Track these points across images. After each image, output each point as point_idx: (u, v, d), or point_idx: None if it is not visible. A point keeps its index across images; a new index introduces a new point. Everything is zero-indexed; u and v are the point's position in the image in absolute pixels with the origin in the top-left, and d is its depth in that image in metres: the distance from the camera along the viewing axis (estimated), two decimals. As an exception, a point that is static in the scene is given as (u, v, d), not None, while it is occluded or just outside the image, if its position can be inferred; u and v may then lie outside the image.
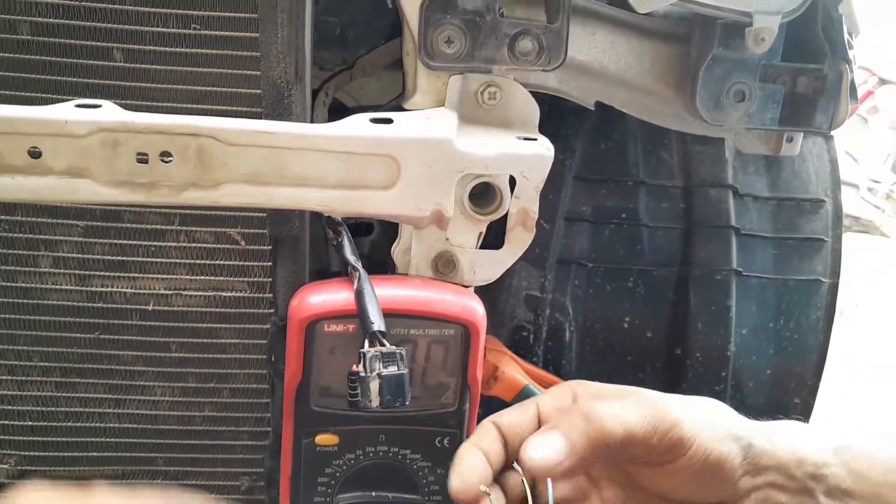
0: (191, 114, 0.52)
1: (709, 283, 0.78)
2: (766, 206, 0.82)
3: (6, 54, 0.54)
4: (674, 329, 0.79)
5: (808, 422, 0.83)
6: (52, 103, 0.52)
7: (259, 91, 0.55)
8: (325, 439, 0.57)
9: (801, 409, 0.82)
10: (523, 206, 0.59)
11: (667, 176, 0.80)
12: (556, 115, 0.75)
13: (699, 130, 0.73)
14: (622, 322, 0.79)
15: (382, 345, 0.50)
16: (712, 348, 0.78)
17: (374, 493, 0.59)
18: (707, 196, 0.80)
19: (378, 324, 0.51)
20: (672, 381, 0.80)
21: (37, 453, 0.64)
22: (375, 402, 0.49)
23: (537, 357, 0.78)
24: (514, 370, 0.69)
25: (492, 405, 0.74)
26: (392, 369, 0.49)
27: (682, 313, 0.78)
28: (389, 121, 0.55)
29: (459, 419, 0.58)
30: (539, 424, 0.54)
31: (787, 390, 0.82)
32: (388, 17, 0.74)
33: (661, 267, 0.79)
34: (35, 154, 0.51)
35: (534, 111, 0.60)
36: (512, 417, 0.54)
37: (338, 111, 0.69)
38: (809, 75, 0.69)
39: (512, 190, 0.59)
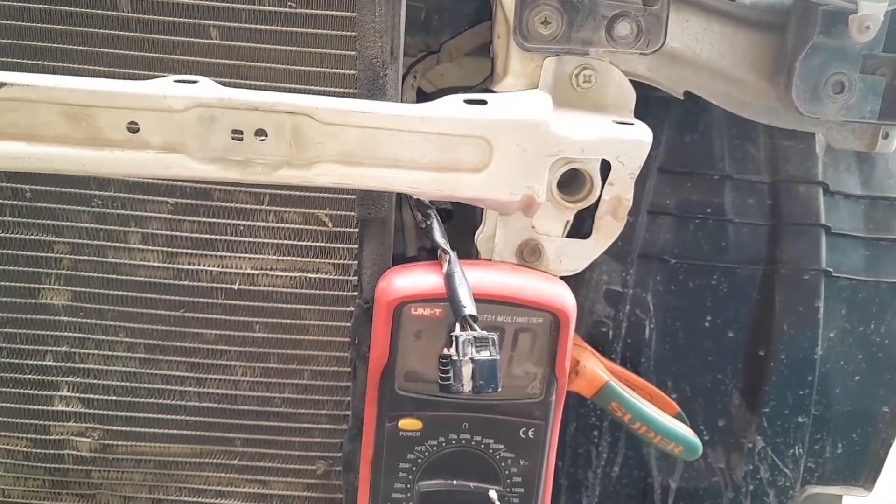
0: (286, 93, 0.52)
1: (796, 282, 0.75)
2: (859, 205, 0.79)
3: (107, 31, 0.54)
4: (757, 330, 0.76)
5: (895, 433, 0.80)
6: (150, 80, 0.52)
7: (353, 72, 0.55)
8: (409, 424, 0.56)
9: (890, 418, 0.78)
10: (617, 193, 0.57)
11: (753, 171, 0.78)
12: (640, 105, 0.73)
13: (790, 124, 0.71)
14: (704, 321, 0.76)
15: (474, 329, 0.49)
16: (798, 351, 0.76)
17: (455, 482, 0.58)
18: (795, 192, 0.77)
19: (470, 307, 0.50)
20: (754, 383, 0.77)
21: (119, 428, 0.64)
22: (468, 386, 0.48)
23: (615, 354, 0.76)
24: (596, 365, 0.67)
25: (569, 401, 0.72)
26: (485, 354, 0.48)
27: (767, 313, 0.76)
28: (483, 102, 0.54)
29: (545, 410, 0.57)
30: None
31: (876, 398, 0.78)
32: (472, 2, 0.73)
33: (746, 265, 0.76)
34: (133, 129, 0.51)
35: (630, 95, 0.59)
36: None
37: (418, 97, 0.68)
38: (911, 66, 0.65)
39: (602, 178, 0.58)
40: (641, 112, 0.74)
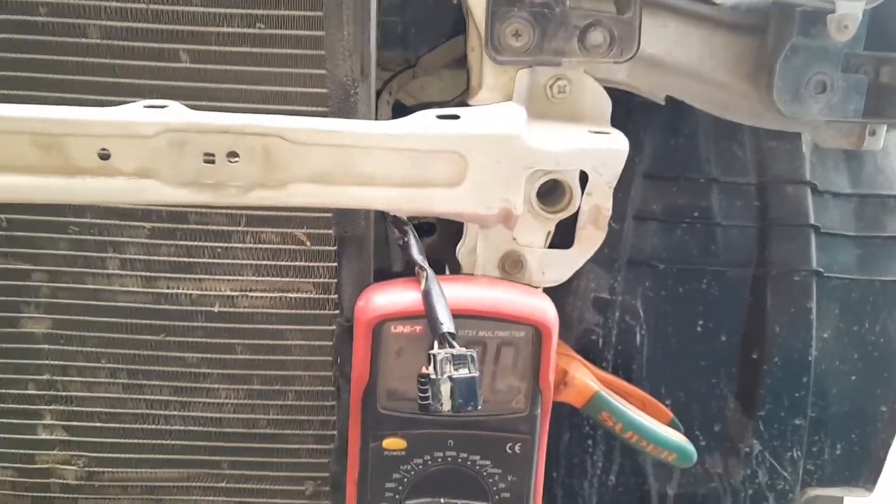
0: (257, 114, 0.52)
1: (787, 284, 0.75)
2: (848, 203, 0.78)
3: (77, 58, 0.54)
4: (750, 333, 0.76)
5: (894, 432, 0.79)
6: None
7: (325, 90, 0.54)
8: (393, 443, 0.56)
9: (888, 417, 0.77)
10: (596, 202, 0.57)
11: (740, 172, 0.77)
12: (623, 111, 0.72)
13: (775, 125, 0.70)
14: (695, 325, 0.76)
15: (452, 346, 0.49)
16: (791, 353, 0.75)
17: (442, 500, 0.57)
18: (783, 193, 0.76)
19: (448, 325, 0.49)
20: (749, 387, 0.76)
21: (104, 455, 0.64)
22: (447, 405, 0.47)
23: (607, 362, 0.75)
24: (585, 375, 0.66)
25: (561, 411, 0.72)
26: (463, 372, 0.47)
27: (759, 316, 0.75)
28: (456, 117, 0.53)
29: (531, 425, 0.56)
30: None
31: (873, 397, 0.77)
32: (449, 15, 0.73)
33: (736, 267, 0.75)
34: (104, 155, 0.51)
35: (605, 104, 0.58)
36: None
37: (399, 111, 0.68)
38: (894, 64, 0.64)
39: (582, 187, 0.57)
40: (624, 118, 0.74)
